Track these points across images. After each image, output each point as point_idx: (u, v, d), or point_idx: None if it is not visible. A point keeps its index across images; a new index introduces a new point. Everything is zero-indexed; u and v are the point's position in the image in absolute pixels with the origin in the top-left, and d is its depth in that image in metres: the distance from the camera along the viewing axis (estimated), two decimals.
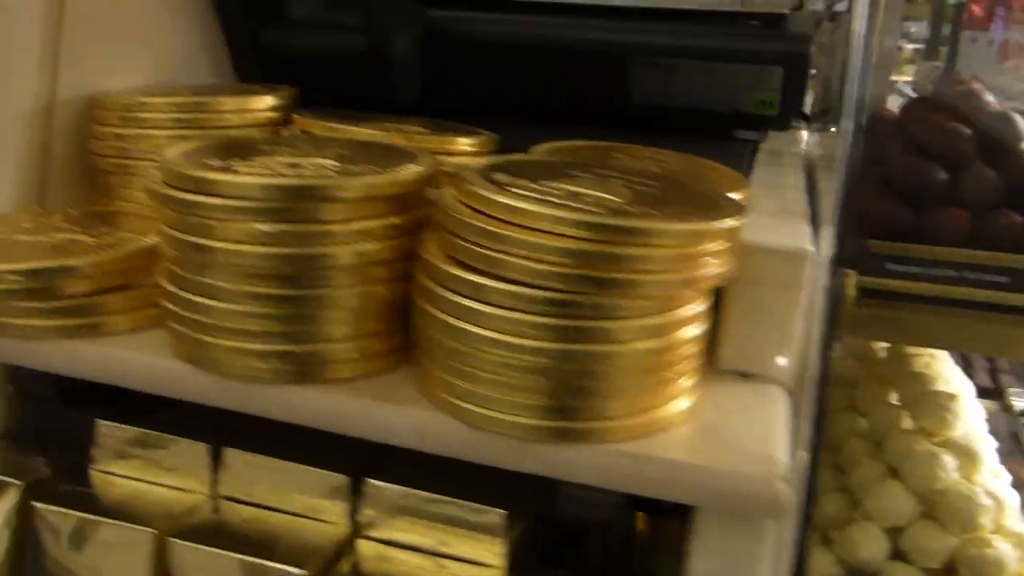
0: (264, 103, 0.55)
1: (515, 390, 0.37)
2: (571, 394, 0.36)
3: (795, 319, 0.42)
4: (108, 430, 0.49)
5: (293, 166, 0.41)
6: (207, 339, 0.40)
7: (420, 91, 0.64)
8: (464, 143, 0.52)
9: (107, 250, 0.45)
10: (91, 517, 0.45)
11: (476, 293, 0.37)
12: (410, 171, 0.40)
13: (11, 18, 0.52)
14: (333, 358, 0.40)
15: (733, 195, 0.44)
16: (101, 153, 0.54)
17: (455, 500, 0.43)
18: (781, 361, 0.42)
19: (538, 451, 0.37)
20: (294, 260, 0.38)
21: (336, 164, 0.41)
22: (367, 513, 0.45)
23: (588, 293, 0.35)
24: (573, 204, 0.36)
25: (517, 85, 0.65)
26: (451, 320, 0.37)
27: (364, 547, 0.45)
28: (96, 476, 0.49)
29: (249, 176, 0.39)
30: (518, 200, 0.36)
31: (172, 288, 0.41)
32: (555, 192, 0.38)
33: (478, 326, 0.37)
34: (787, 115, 0.63)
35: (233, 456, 0.47)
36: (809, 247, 0.42)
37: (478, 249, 0.36)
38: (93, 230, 0.48)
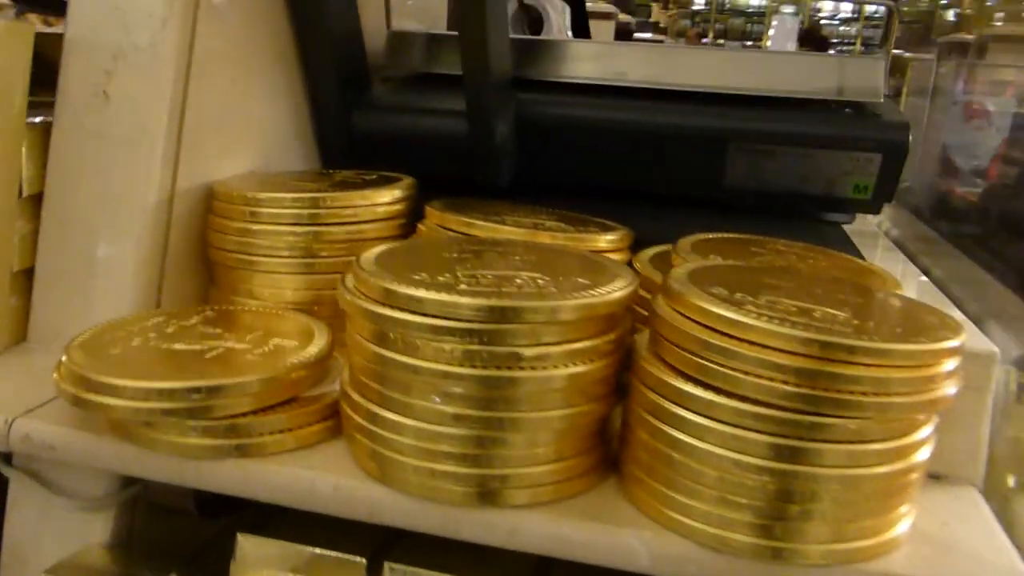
0: (391, 195, 0.53)
1: (740, 508, 0.36)
2: (802, 515, 0.36)
3: (985, 420, 0.42)
4: (251, 545, 0.46)
5: (499, 278, 0.39)
6: (403, 459, 0.39)
7: (513, 175, 0.64)
8: (604, 240, 0.51)
9: (271, 361, 0.43)
10: None
11: (708, 410, 0.36)
12: (622, 287, 0.39)
13: (139, 109, 0.50)
14: (539, 481, 0.38)
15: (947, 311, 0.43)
16: (222, 247, 0.52)
17: None
18: (975, 462, 0.42)
19: (767, 571, 0.36)
20: (501, 383, 0.37)
21: (539, 277, 0.40)
22: None
23: (823, 415, 0.35)
24: (804, 321, 0.36)
25: (615, 168, 0.65)
26: (681, 436, 0.36)
27: None
28: None
29: (458, 294, 0.37)
30: (750, 317, 0.35)
31: (364, 402, 0.39)
32: (781, 307, 0.37)
33: (707, 442, 0.36)
34: (880, 200, 0.64)
35: (393, 572, 0.45)
36: (995, 348, 0.42)
37: (710, 365, 0.36)
38: (237, 334, 0.46)
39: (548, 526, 0.38)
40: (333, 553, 0.45)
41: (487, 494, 0.38)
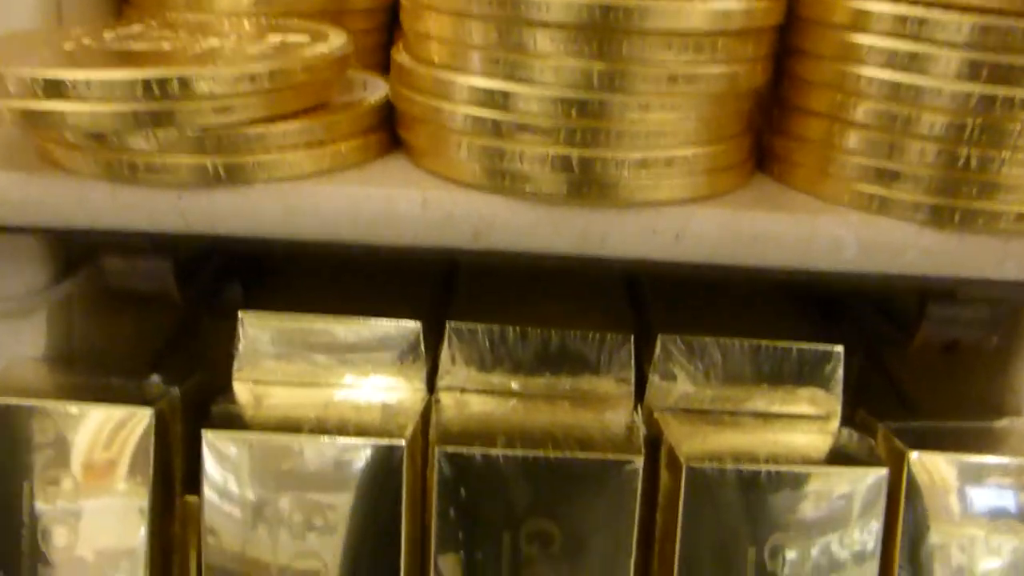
0: None
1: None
2: None
3: None
4: (256, 325, 0.35)
5: None
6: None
7: None
8: None
9: (280, 55, 0.31)
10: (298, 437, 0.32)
11: None
12: None
13: None
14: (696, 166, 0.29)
15: None
16: None
17: None
18: None
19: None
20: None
21: None
22: None
23: None
24: None
25: None
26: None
27: None
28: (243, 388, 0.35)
29: None
30: None
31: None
32: None
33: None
34: None
35: (458, 334, 0.35)
36: None
37: None
38: (219, 36, 0.33)
39: (727, 220, 0.29)
40: (377, 322, 0.35)
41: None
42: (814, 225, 0.28)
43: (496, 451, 0.31)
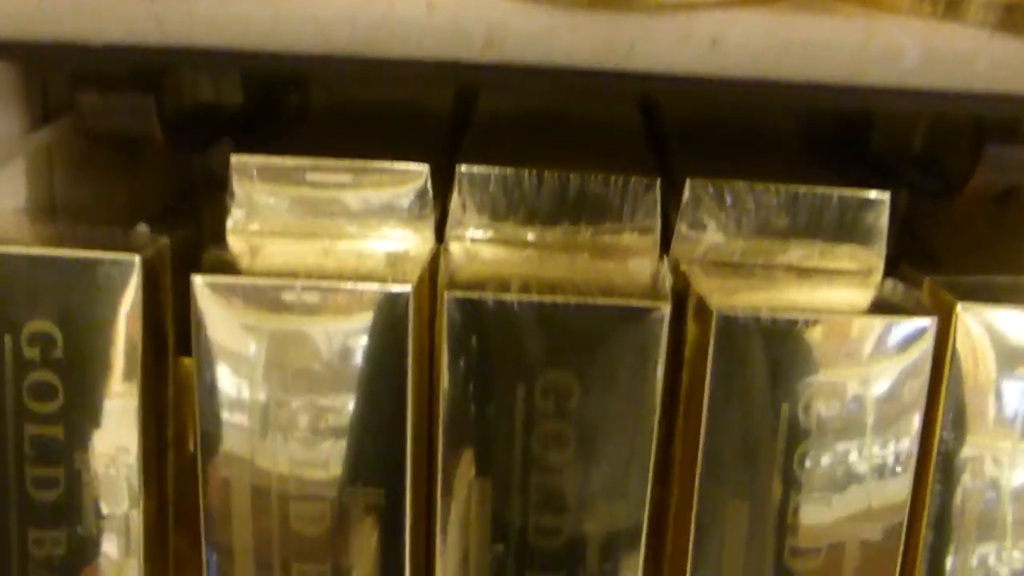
0: None
1: None
2: None
3: None
4: (253, 171, 0.32)
5: None
6: None
7: None
8: None
9: None
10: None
11: None
12: None
13: None
14: None
15: None
16: None
17: None
18: None
19: None
20: None
21: None
22: None
23: None
24: None
25: None
26: None
27: None
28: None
29: None
30: None
31: None
32: None
33: None
34: None
35: (470, 178, 0.32)
36: None
37: None
38: None
39: (770, 25, 0.25)
40: (381, 165, 0.32)
41: None
42: (870, 31, 0.25)
43: (510, 296, 0.28)
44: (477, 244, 0.32)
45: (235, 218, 0.32)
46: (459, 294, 0.28)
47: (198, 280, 0.29)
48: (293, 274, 0.29)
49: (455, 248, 0.32)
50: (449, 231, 0.32)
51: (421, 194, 0.32)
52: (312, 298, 0.29)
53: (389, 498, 0.29)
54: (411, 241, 0.32)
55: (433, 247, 0.32)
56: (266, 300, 0.29)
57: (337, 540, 0.30)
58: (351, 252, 0.31)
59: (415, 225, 0.32)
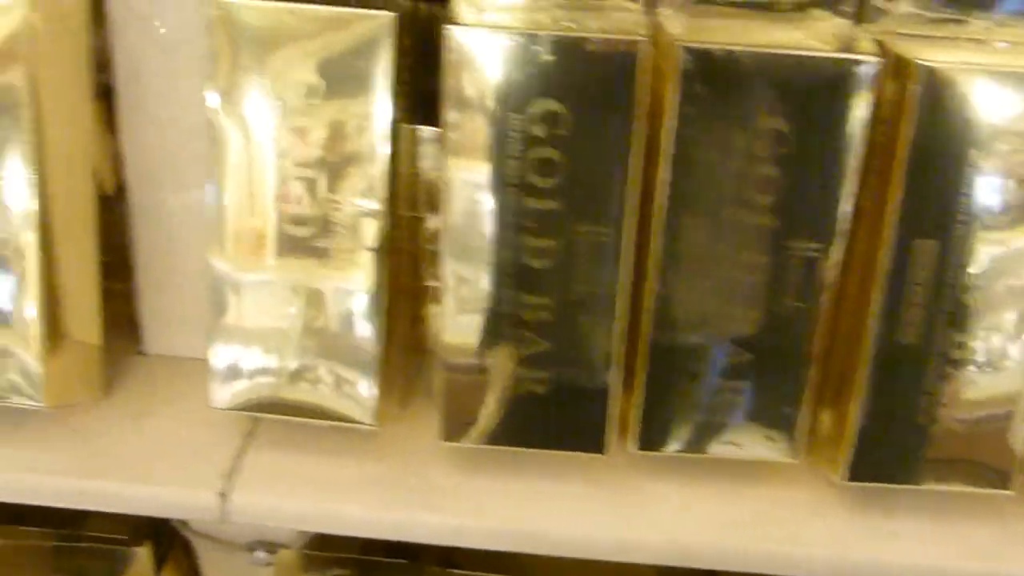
0: None
1: None
2: None
3: None
4: None
5: None
6: None
7: None
8: None
9: None
10: None
11: None
12: None
13: None
14: None
15: None
16: None
17: None
18: None
19: None
20: None
21: None
22: None
23: None
24: None
25: None
26: None
27: None
28: None
29: None
30: None
31: None
32: None
33: None
34: None
35: None
36: None
37: None
38: None
39: None
40: None
41: None
42: None
43: (736, 46, 0.32)
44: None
45: None
46: (689, 44, 0.32)
47: (451, 31, 0.32)
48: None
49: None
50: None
51: None
52: (556, 49, 0.32)
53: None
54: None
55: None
56: (514, 53, 0.32)
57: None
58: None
59: None
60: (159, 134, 0.39)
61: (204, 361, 0.42)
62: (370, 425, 0.37)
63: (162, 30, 0.37)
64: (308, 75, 0.34)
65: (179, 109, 0.38)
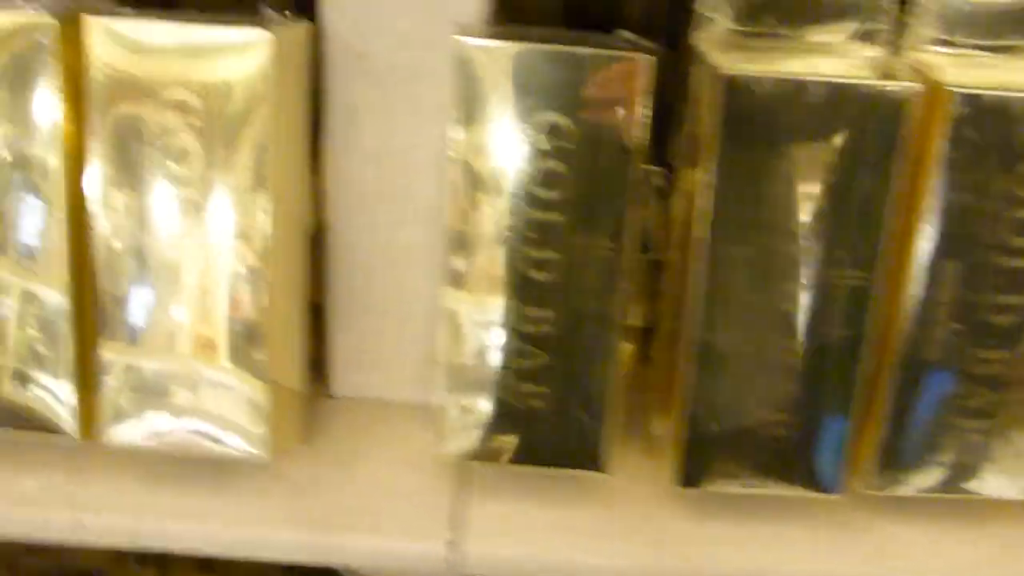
0: None
1: None
2: None
3: None
4: None
5: None
6: None
7: None
8: None
9: None
10: None
11: None
12: None
13: None
14: None
15: None
16: None
17: None
18: None
19: None
20: None
21: None
22: None
23: None
24: None
25: None
26: None
27: None
28: None
29: None
30: None
31: None
32: None
33: None
34: None
35: None
36: None
37: None
38: None
39: None
40: None
41: None
42: None
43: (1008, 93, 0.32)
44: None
45: None
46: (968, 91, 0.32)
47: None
48: None
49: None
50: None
51: None
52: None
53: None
54: None
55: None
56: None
57: None
58: None
59: None
60: (368, 172, 0.38)
61: (398, 404, 0.41)
62: (598, 472, 0.36)
63: (379, 68, 0.36)
64: (554, 117, 0.33)
65: (392, 147, 0.37)
